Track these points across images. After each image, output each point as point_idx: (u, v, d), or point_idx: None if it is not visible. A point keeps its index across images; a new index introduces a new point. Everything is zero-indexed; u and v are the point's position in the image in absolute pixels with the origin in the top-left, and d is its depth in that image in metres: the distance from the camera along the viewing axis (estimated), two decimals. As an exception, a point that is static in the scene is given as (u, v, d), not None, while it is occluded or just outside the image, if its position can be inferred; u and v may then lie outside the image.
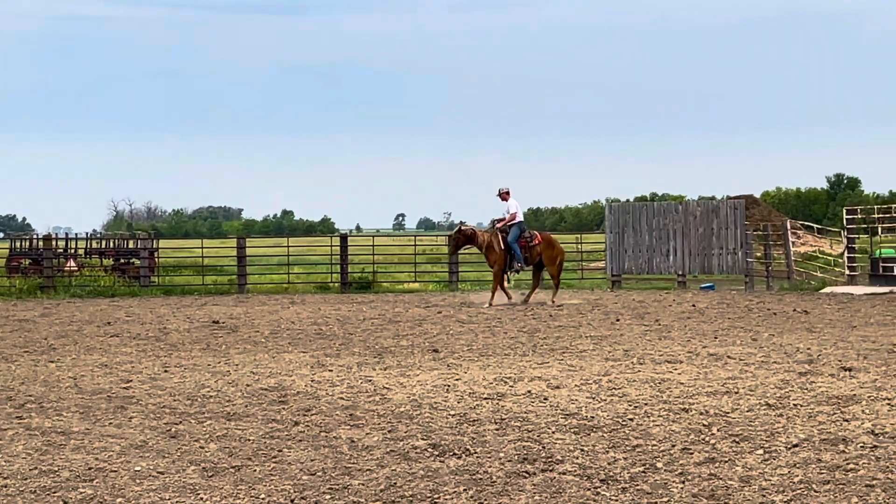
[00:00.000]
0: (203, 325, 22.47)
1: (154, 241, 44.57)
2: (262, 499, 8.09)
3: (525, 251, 28.06)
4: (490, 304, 27.21)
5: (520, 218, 28.49)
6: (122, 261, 42.64)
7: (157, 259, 41.91)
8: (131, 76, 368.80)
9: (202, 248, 42.31)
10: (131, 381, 14.28)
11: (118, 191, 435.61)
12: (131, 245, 46.59)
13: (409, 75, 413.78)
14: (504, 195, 28.50)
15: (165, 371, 15.31)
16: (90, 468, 9.16)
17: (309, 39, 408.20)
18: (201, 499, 8.11)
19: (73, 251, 44.33)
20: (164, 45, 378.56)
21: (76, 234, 51.83)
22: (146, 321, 23.91)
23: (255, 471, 8.97)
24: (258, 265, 42.65)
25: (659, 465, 8.86)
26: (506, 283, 28.58)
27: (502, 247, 27.77)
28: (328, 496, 8.13)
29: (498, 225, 28.36)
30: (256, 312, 25.98)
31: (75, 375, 14.96)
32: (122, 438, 10.40)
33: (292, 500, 8.03)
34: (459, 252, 30.41)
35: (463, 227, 28.87)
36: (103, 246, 47.71)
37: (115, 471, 9.03)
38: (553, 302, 27.57)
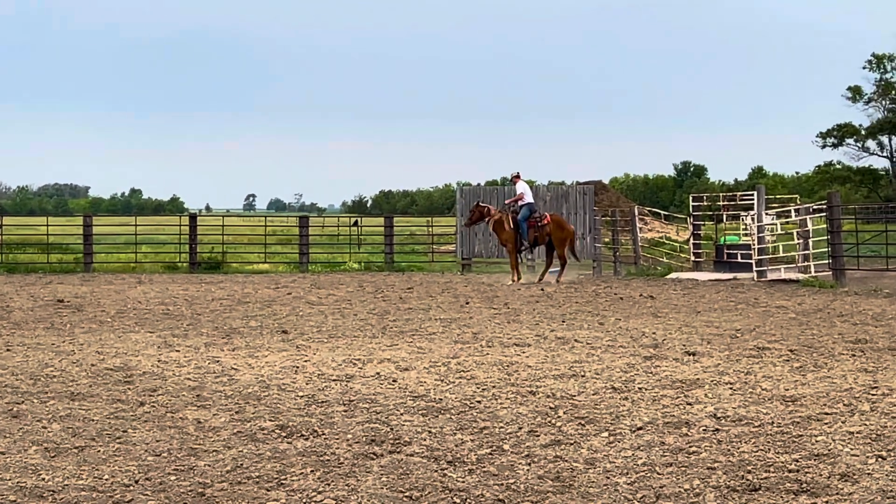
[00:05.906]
0: (47, 304, 22.07)
1: (-3, 218, 43.62)
2: (106, 479, 7.96)
3: (535, 231, 29.86)
4: (513, 282, 28.93)
5: (529, 199, 30.18)
6: (-36, 237, 41.58)
7: (0, 236, 41.03)
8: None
9: (47, 225, 41.57)
10: (-28, 359, 13.96)
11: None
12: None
13: (272, 56, 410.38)
14: (515, 178, 30.50)
15: (8, 350, 14.99)
16: (-73, 448, 8.93)
17: (161, 13, 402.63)
18: (43, 479, 7.95)
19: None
20: (8, 16, 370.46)
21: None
22: (-12, 299, 23.42)
23: (98, 451, 8.82)
24: (105, 244, 42.01)
25: (506, 447, 8.91)
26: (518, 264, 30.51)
27: (512, 226, 29.62)
28: (174, 477, 8.03)
29: (507, 202, 30.59)
30: (103, 291, 25.60)
31: (-87, 354, 14.59)
32: (-39, 418, 10.16)
33: (137, 481, 7.92)
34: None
35: (481, 203, 30.91)
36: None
37: (-46, 451, 8.82)
38: (559, 282, 29.15)
